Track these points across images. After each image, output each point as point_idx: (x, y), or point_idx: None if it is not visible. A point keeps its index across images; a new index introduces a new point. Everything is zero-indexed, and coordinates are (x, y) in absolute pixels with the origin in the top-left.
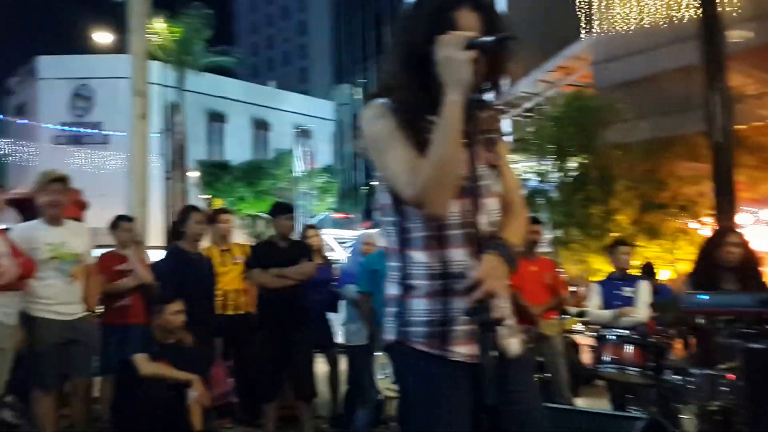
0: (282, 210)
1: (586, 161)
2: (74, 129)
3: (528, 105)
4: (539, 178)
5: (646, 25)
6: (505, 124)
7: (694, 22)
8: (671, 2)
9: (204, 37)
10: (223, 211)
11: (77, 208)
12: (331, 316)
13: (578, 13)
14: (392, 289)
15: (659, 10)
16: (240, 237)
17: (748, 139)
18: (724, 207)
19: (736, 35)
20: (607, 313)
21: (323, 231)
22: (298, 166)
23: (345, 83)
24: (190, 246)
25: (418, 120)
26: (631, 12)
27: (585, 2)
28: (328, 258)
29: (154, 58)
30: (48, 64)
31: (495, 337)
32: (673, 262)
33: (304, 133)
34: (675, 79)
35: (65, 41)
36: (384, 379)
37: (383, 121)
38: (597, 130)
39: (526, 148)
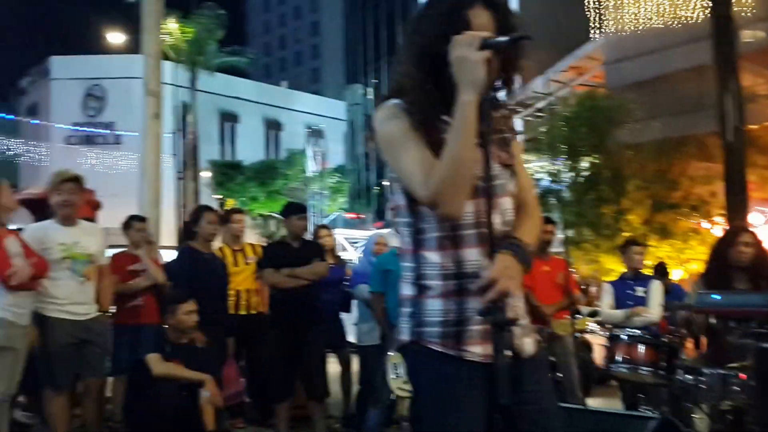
0: (294, 210)
1: (598, 161)
2: (86, 129)
3: (540, 105)
4: (551, 178)
5: (658, 25)
6: (517, 124)
7: (706, 22)
8: (683, 2)
9: (216, 38)
10: (236, 211)
11: (90, 208)
12: (343, 316)
13: (590, 13)
14: (407, 290)
15: (671, 10)
16: (252, 237)
17: (760, 139)
18: (736, 206)
19: (748, 35)
20: (619, 313)
21: (335, 231)
22: (310, 166)
23: (357, 83)
24: (202, 246)
25: (431, 120)
26: (643, 12)
27: (597, 2)
28: (341, 258)
29: (166, 58)
30: (60, 65)
31: (509, 336)
32: (684, 262)
33: (316, 133)
34: (687, 79)
35: (78, 41)
36: (396, 379)
37: (397, 122)
38: (609, 130)
39: (538, 147)
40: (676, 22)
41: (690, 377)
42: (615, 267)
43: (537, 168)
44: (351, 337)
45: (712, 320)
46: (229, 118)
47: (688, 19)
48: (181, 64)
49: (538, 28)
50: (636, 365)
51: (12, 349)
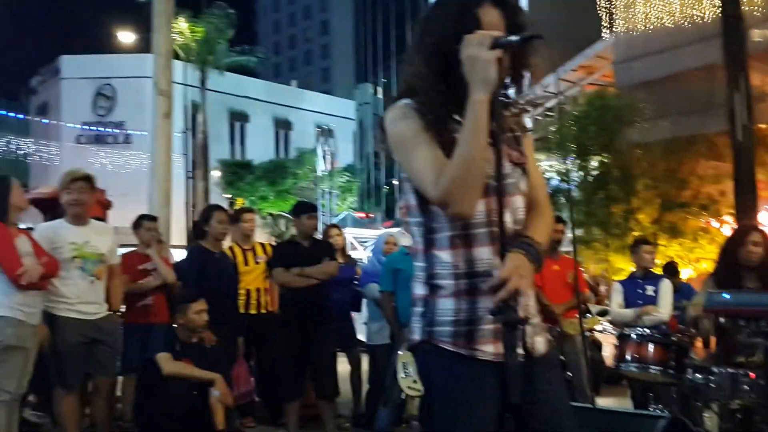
0: (304, 209)
1: (608, 160)
2: (97, 129)
3: (550, 104)
4: (560, 177)
5: (667, 25)
6: (527, 123)
7: (716, 22)
8: (693, 2)
9: (226, 37)
10: (247, 210)
11: (101, 207)
12: (353, 315)
13: (600, 12)
14: (418, 289)
15: (681, 10)
16: (262, 236)
17: None
18: (746, 205)
19: (758, 34)
20: (629, 312)
21: (344, 230)
22: (320, 166)
23: (367, 82)
24: (212, 245)
25: (442, 120)
26: (652, 11)
27: (608, 1)
28: (351, 257)
29: (176, 57)
30: (71, 64)
31: (521, 335)
32: (694, 261)
33: (325, 133)
34: (697, 79)
35: (88, 41)
36: (406, 378)
37: (408, 122)
38: (618, 129)
39: (548, 147)
40: (686, 22)
41: (700, 376)
42: (624, 266)
43: (546, 167)
44: (361, 336)
45: (722, 319)
46: (238, 117)
47: (698, 18)
48: (191, 64)
49: (548, 27)
50: (646, 364)
51: (22, 348)
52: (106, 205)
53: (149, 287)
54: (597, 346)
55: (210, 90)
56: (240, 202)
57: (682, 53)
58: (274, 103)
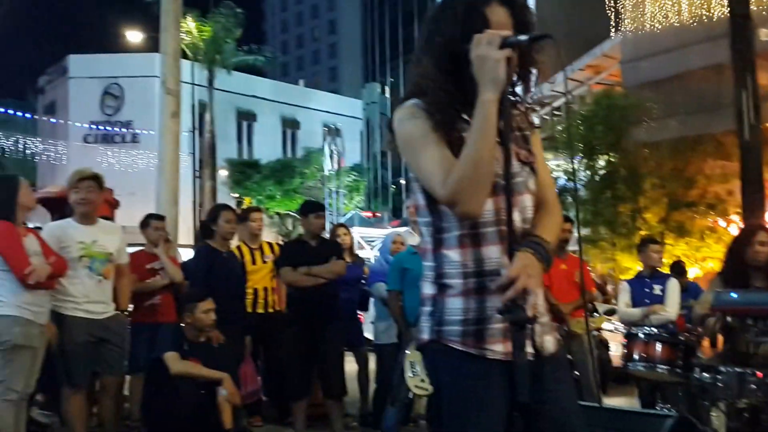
0: (312, 208)
1: (615, 160)
2: (104, 128)
3: (557, 103)
4: (567, 177)
5: (675, 24)
6: (535, 122)
7: (724, 21)
8: (701, 1)
9: (234, 36)
10: (255, 209)
11: (109, 206)
12: (360, 314)
13: (607, 11)
14: (427, 289)
15: (689, 9)
16: (269, 236)
17: None
18: (753, 205)
19: (766, 34)
20: (636, 311)
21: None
22: (327, 165)
23: (374, 82)
24: (220, 245)
25: (451, 119)
26: (660, 10)
27: (615, 0)
28: (359, 256)
29: (184, 56)
30: (78, 63)
31: (529, 334)
32: (701, 260)
33: (333, 132)
34: (704, 78)
35: (96, 40)
36: (413, 377)
37: (416, 122)
38: (626, 128)
39: (555, 146)
40: (693, 21)
41: (707, 375)
42: (632, 265)
43: (554, 166)
44: (368, 335)
45: (729, 318)
46: (246, 116)
47: (706, 17)
48: (198, 63)
49: (555, 25)
50: (653, 363)
51: (30, 348)
52: (114, 205)
53: (157, 286)
54: (605, 345)
55: (217, 89)
56: (247, 202)
57: (690, 52)
58: (281, 103)
